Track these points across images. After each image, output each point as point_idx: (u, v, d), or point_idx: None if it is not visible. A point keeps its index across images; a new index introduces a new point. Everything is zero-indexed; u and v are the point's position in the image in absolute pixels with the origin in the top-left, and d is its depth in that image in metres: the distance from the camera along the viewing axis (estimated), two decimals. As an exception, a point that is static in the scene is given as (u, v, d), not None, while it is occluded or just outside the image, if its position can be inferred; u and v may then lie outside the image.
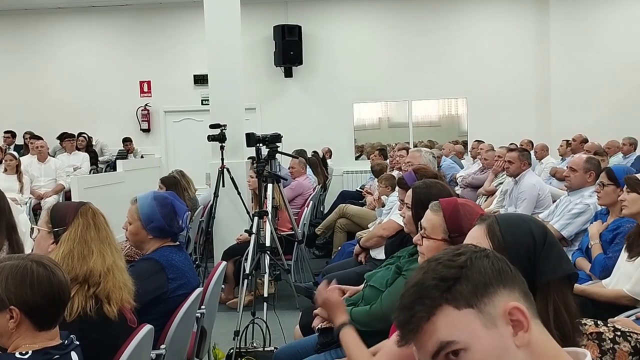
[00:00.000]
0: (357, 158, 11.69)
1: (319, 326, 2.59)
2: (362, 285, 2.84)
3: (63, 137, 9.64)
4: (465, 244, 1.13)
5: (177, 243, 2.73)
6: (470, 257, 1.02)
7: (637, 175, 3.13)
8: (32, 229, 3.12)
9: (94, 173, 9.68)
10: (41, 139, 8.69)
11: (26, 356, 1.59)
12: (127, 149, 11.21)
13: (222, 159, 5.95)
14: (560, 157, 9.00)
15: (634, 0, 10.85)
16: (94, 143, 10.92)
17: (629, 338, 2.32)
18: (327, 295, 2.33)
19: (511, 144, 8.01)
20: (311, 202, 6.48)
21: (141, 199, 2.67)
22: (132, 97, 11.76)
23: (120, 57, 11.71)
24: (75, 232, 2.14)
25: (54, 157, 8.92)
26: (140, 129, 11.85)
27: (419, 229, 2.13)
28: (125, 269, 2.20)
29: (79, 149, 9.72)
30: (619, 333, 2.33)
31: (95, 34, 11.82)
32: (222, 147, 5.92)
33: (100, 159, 10.82)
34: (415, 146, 10.34)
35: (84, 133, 10.61)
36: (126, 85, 11.71)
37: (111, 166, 10.54)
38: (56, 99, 11.65)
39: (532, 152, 8.96)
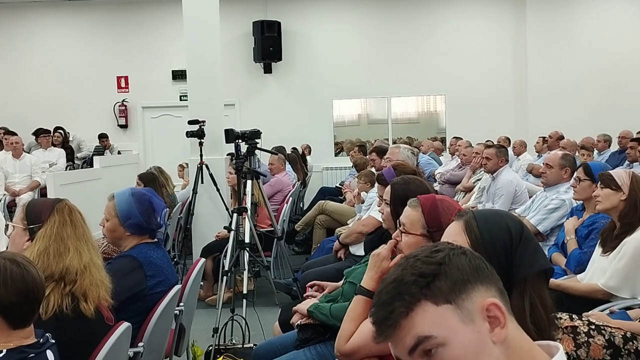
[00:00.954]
0: (336, 154, 11.70)
1: (298, 322, 2.60)
2: (341, 282, 2.85)
3: (38, 132, 9.48)
4: (442, 241, 1.14)
5: (155, 240, 2.71)
6: (448, 254, 1.04)
7: (610, 171, 3.18)
8: (6, 226, 3.07)
9: (70, 169, 9.55)
10: (16, 134, 8.53)
11: (0, 355, 1.57)
12: (103, 145, 11.07)
13: (201, 155, 5.91)
14: (537, 154, 9.11)
15: (610, -1, 11.04)
16: (70, 139, 10.77)
17: (603, 332, 2.37)
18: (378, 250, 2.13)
19: (488, 140, 8.08)
20: (291, 198, 6.47)
21: (118, 195, 2.65)
22: (109, 92, 11.61)
23: (97, 52, 11.55)
24: (51, 229, 2.12)
25: (29, 153, 8.78)
26: (118, 125, 11.72)
27: (398, 225, 2.15)
28: (102, 267, 2.18)
29: (54, 145, 9.58)
30: (593, 327, 2.38)
31: (72, 28, 11.65)
32: (200, 144, 5.88)
33: (77, 155, 10.68)
34: (394, 143, 10.38)
35: (60, 128, 10.45)
36: (103, 80, 11.56)
37: (88, 162, 10.40)
38: (31, 94, 11.45)
39: (510, 149, 9.07)
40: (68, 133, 10.73)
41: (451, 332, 0.97)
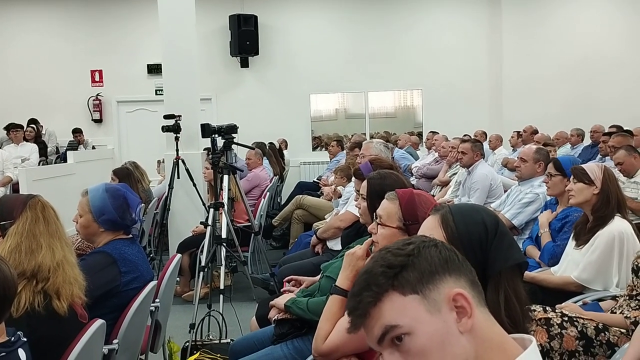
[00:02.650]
0: (314, 149, 11.70)
1: (276, 317, 2.59)
2: (318, 276, 2.85)
3: (10, 127, 9.29)
4: (417, 235, 1.15)
5: (130, 236, 2.68)
6: (418, 246, 1.06)
7: (583, 165, 3.23)
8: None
9: (43, 165, 9.39)
10: (-14, 129, 8.38)
11: (-30, 354, 1.54)
12: (77, 140, 10.89)
13: (177, 150, 5.86)
14: (512, 148, 9.21)
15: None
16: (43, 133, 10.58)
17: (575, 323, 2.41)
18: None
19: (465, 135, 8.15)
20: (268, 193, 6.45)
21: (92, 191, 2.61)
22: (83, 86, 11.45)
23: (70, 45, 11.37)
24: (23, 226, 2.08)
25: (0, 148, 8.60)
26: (92, 120, 11.56)
27: (375, 218, 2.15)
28: (75, 264, 2.15)
29: (27, 140, 9.40)
30: (566, 318, 2.42)
31: (45, 20, 11.44)
32: (176, 138, 5.83)
33: (49, 149, 10.50)
34: (371, 137, 10.41)
35: (34, 121, 10.27)
36: (77, 74, 11.39)
37: (61, 158, 10.23)
38: (3, 88, 11.24)
39: (486, 143, 9.16)
40: (41, 127, 10.55)
41: (417, 321, 1.00)
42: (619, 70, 10.81)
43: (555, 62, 10.99)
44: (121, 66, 11.36)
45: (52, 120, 10.99)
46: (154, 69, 11.00)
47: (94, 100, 11.50)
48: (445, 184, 6.35)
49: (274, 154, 8.51)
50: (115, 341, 2.32)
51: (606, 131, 7.57)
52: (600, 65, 10.91)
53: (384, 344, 1.02)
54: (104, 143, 11.42)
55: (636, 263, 2.57)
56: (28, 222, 2.09)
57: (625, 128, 7.66)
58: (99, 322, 2.04)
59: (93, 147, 11.05)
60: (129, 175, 5.36)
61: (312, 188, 8.10)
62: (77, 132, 10.95)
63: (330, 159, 8.81)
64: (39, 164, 9.04)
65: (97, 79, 11.53)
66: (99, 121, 11.59)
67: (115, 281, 2.46)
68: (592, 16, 11.10)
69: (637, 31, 10.22)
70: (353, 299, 1.04)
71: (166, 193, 5.94)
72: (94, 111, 11.53)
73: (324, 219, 5.49)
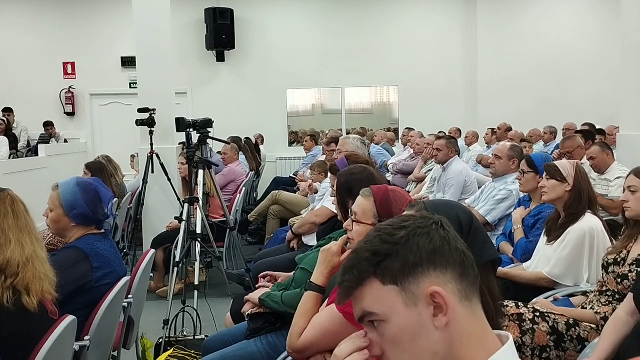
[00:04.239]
0: (290, 144, 11.67)
1: (249, 312, 2.58)
2: (294, 271, 2.84)
3: (-21, 120, 9.12)
4: (416, 214, 1.14)
5: (103, 231, 2.64)
6: (409, 233, 1.05)
7: (555, 162, 3.27)
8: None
9: (13, 158, 9.20)
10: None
11: None
12: (49, 133, 10.69)
13: (152, 144, 5.79)
14: (486, 145, 9.31)
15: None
16: (14, 126, 10.36)
17: (547, 318, 2.44)
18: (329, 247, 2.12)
19: (440, 132, 8.21)
20: (244, 188, 6.42)
21: (63, 185, 2.56)
22: (55, 79, 11.23)
23: (42, 36, 11.15)
24: (-8, 220, 2.03)
25: (-31, 141, 8.42)
26: (64, 113, 11.36)
27: (349, 214, 2.16)
28: (46, 260, 2.11)
29: (-3, 133, 9.22)
30: (538, 314, 2.45)
31: (17, 11, 11.20)
32: (151, 132, 5.75)
33: (20, 143, 10.29)
34: (348, 133, 10.42)
35: (9, 110, 10.05)
36: (48, 66, 11.18)
37: (32, 151, 10.04)
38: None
39: (461, 139, 9.24)
40: (13, 119, 10.33)
41: (392, 312, 1.02)
42: (593, 70, 10.99)
43: (529, 60, 11.13)
44: (94, 58, 11.18)
45: (23, 113, 10.75)
46: (128, 62, 10.84)
47: (66, 93, 11.30)
48: (420, 180, 6.39)
49: (250, 149, 8.47)
50: (86, 338, 2.29)
51: (578, 129, 7.69)
52: (574, 64, 11.09)
53: (364, 323, 1.06)
54: (77, 137, 11.24)
55: (606, 259, 2.62)
56: (-3, 216, 2.05)
57: (597, 127, 7.80)
58: (69, 319, 2.01)
59: (65, 141, 10.86)
60: (102, 169, 5.29)
61: (288, 183, 8.08)
62: (48, 125, 10.75)
63: (306, 154, 8.81)
64: (9, 157, 8.86)
65: (69, 71, 11.33)
66: (71, 114, 11.39)
67: (87, 277, 2.42)
68: (566, 15, 11.26)
69: (610, 32, 10.38)
70: (340, 277, 1.08)
71: (140, 188, 5.87)
72: (66, 104, 11.33)
73: (300, 214, 5.48)
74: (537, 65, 11.11)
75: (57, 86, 11.27)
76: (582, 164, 3.78)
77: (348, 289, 1.06)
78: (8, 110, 10.16)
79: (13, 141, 9.70)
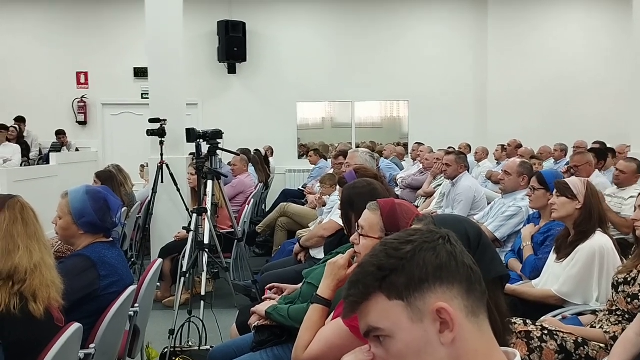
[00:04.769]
0: (300, 157, 11.69)
1: (256, 324, 2.57)
2: (300, 284, 2.84)
3: (-8, 127, 9.20)
4: (423, 227, 1.13)
5: (111, 239, 2.65)
6: (415, 248, 1.04)
7: (566, 179, 3.25)
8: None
9: (25, 166, 9.28)
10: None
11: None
12: (60, 141, 10.77)
13: (162, 155, 5.82)
14: (496, 161, 9.28)
15: (568, 10, 11.34)
16: (25, 134, 10.46)
17: (555, 337, 2.42)
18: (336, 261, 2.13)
19: (449, 147, 8.19)
20: (252, 200, 6.43)
21: (72, 192, 2.57)
22: (68, 88, 11.35)
23: (56, 46, 11.28)
24: (1, 226, 2.04)
25: (-18, 148, 8.51)
26: (76, 122, 11.46)
27: (356, 227, 2.15)
28: (54, 267, 2.11)
29: (9, 140, 9.29)
30: (546, 332, 2.43)
31: (32, 20, 11.35)
32: (161, 142, 5.78)
33: (32, 153, 10.38)
34: (357, 147, 10.43)
35: (21, 119, 10.14)
36: (62, 76, 11.29)
37: (44, 159, 10.12)
38: (-13, 88, 11.11)
39: (472, 155, 9.22)
40: (24, 128, 10.43)
41: (398, 327, 1.01)
42: (602, 88, 10.98)
43: (539, 77, 11.13)
44: (107, 68, 11.29)
45: (36, 121, 10.86)
46: (141, 73, 10.91)
47: (78, 102, 11.41)
48: (429, 195, 6.37)
49: (260, 161, 8.50)
50: (92, 346, 2.28)
51: (589, 147, 7.65)
52: (583, 82, 11.08)
53: (370, 338, 1.06)
54: (88, 146, 11.32)
55: (616, 278, 2.59)
56: (6, 222, 2.05)
57: (607, 145, 7.76)
58: (75, 326, 2.01)
59: (76, 150, 10.94)
60: (111, 178, 5.31)
61: (297, 196, 8.09)
62: (60, 133, 10.83)
63: (312, 168, 8.83)
64: (20, 165, 8.93)
65: (82, 80, 11.44)
66: (83, 123, 11.49)
67: (93, 285, 2.43)
68: (577, 33, 11.28)
69: (620, 50, 10.38)
70: (347, 290, 1.07)
71: (149, 197, 5.89)
72: (78, 113, 11.43)
73: (308, 227, 5.47)
74: (547, 82, 11.10)
75: (70, 95, 11.38)
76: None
77: (353, 303, 1.05)
78: (20, 120, 10.25)
79: (24, 149, 9.79)
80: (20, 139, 9.95)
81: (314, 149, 9.40)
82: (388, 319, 1.02)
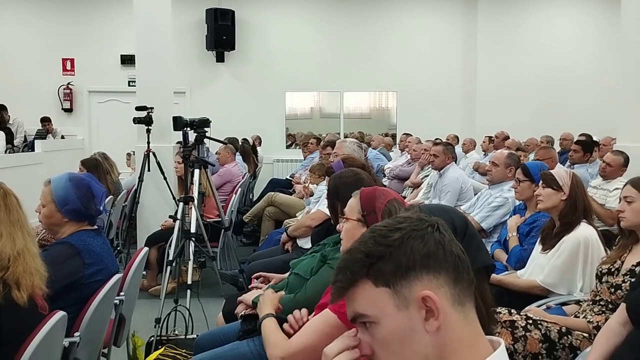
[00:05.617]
0: (288, 147, 11.67)
1: (242, 313, 2.57)
2: (287, 274, 2.84)
3: (-25, 114, 9.08)
4: (413, 214, 1.12)
5: (95, 227, 2.63)
6: (403, 235, 1.04)
7: (551, 171, 3.27)
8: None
9: (9, 153, 9.18)
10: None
11: None
12: (45, 129, 10.65)
13: (148, 143, 5.78)
14: (483, 153, 9.32)
15: (558, 4, 11.38)
16: (10, 122, 10.33)
17: (539, 326, 2.44)
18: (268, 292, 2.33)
19: (437, 138, 8.21)
20: (240, 189, 6.41)
21: (55, 180, 2.54)
22: (53, 75, 11.20)
23: (42, 32, 11.11)
24: (-17, 213, 2.02)
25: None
26: (62, 109, 11.32)
27: (339, 217, 2.17)
28: (37, 254, 2.09)
29: (-7, 127, 9.18)
30: (530, 321, 2.45)
31: (16, 6, 11.16)
32: (148, 131, 5.74)
33: (17, 139, 10.25)
34: (345, 137, 10.42)
35: (3, 108, 10.01)
36: (48, 62, 11.14)
37: (29, 146, 10.01)
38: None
39: (459, 146, 9.26)
40: (9, 116, 10.29)
41: (383, 314, 1.02)
42: (591, 82, 11.03)
43: (528, 70, 11.16)
44: (94, 56, 11.16)
45: (21, 108, 10.71)
46: (128, 60, 10.81)
47: (64, 89, 11.28)
48: (417, 186, 6.39)
49: (248, 150, 8.47)
50: (76, 334, 2.27)
51: (575, 139, 7.70)
52: (572, 76, 11.13)
53: (357, 324, 1.06)
54: (74, 133, 11.20)
55: (600, 269, 2.62)
56: (-12, 209, 2.03)
57: (594, 138, 7.81)
58: (59, 314, 1.99)
59: (62, 137, 10.82)
60: (97, 166, 5.27)
61: (284, 185, 8.07)
62: (45, 121, 10.70)
63: (305, 157, 8.78)
64: (5, 152, 8.84)
65: (68, 67, 11.30)
66: (69, 111, 11.36)
67: (78, 273, 2.41)
68: (566, 27, 11.32)
69: (609, 44, 10.43)
70: (335, 276, 1.07)
71: (136, 186, 5.86)
72: (64, 100, 11.30)
73: (295, 216, 5.47)
74: (536, 75, 11.14)
75: (56, 82, 11.24)
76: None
77: (341, 289, 1.06)
78: (2, 108, 10.11)
79: (8, 136, 9.65)
80: (3, 127, 9.81)
81: (316, 137, 9.28)
82: (374, 305, 1.02)
